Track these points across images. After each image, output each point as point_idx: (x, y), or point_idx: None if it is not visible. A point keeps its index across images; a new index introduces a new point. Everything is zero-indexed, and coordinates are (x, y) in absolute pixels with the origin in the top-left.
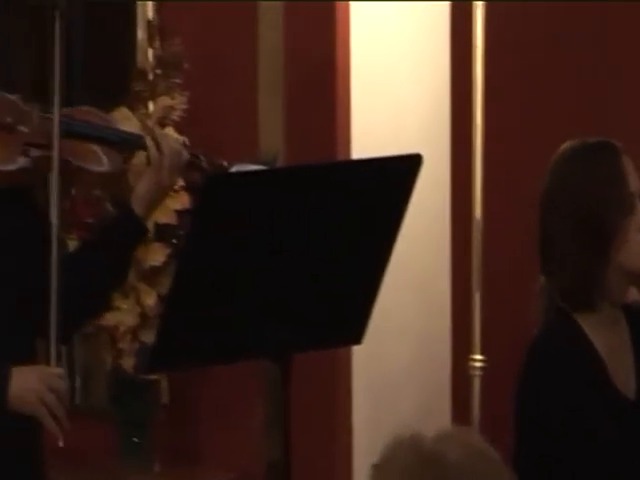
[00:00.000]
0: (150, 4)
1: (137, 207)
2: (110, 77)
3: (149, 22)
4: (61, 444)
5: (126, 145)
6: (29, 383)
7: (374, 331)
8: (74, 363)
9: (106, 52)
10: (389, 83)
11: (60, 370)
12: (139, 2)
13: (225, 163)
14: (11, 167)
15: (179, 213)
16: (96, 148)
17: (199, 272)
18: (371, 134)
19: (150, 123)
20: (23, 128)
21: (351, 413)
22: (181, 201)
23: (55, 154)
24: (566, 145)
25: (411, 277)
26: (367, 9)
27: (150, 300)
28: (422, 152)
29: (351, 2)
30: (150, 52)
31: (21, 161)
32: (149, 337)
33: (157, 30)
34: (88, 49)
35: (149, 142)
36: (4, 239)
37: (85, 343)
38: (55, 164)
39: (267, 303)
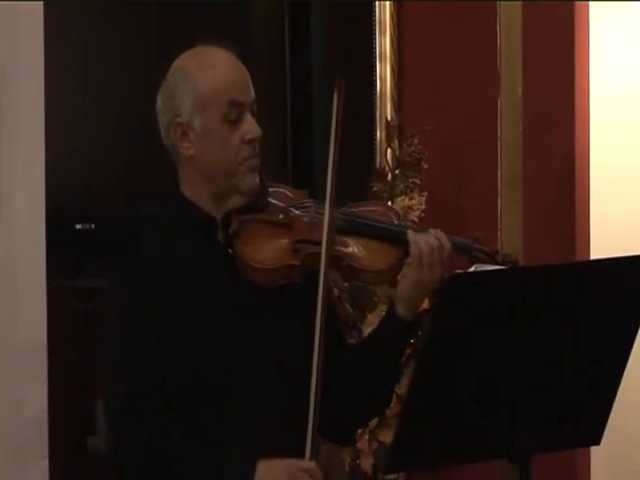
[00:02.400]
0: (389, 105)
1: (400, 307)
2: (349, 177)
3: (388, 122)
4: None
5: (392, 241)
6: (275, 476)
7: (613, 430)
8: None
9: (345, 152)
10: (628, 185)
11: (310, 464)
12: (377, 103)
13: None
14: (279, 265)
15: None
16: (369, 244)
17: (438, 372)
18: (610, 235)
19: None
20: (297, 225)
21: None
22: None
23: (323, 252)
24: None
25: None
26: (606, 111)
27: None
28: None
29: (591, 115)
30: (389, 152)
31: (291, 259)
32: (387, 437)
33: (396, 130)
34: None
35: (411, 237)
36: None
37: (324, 444)
38: (322, 264)
39: (507, 404)
